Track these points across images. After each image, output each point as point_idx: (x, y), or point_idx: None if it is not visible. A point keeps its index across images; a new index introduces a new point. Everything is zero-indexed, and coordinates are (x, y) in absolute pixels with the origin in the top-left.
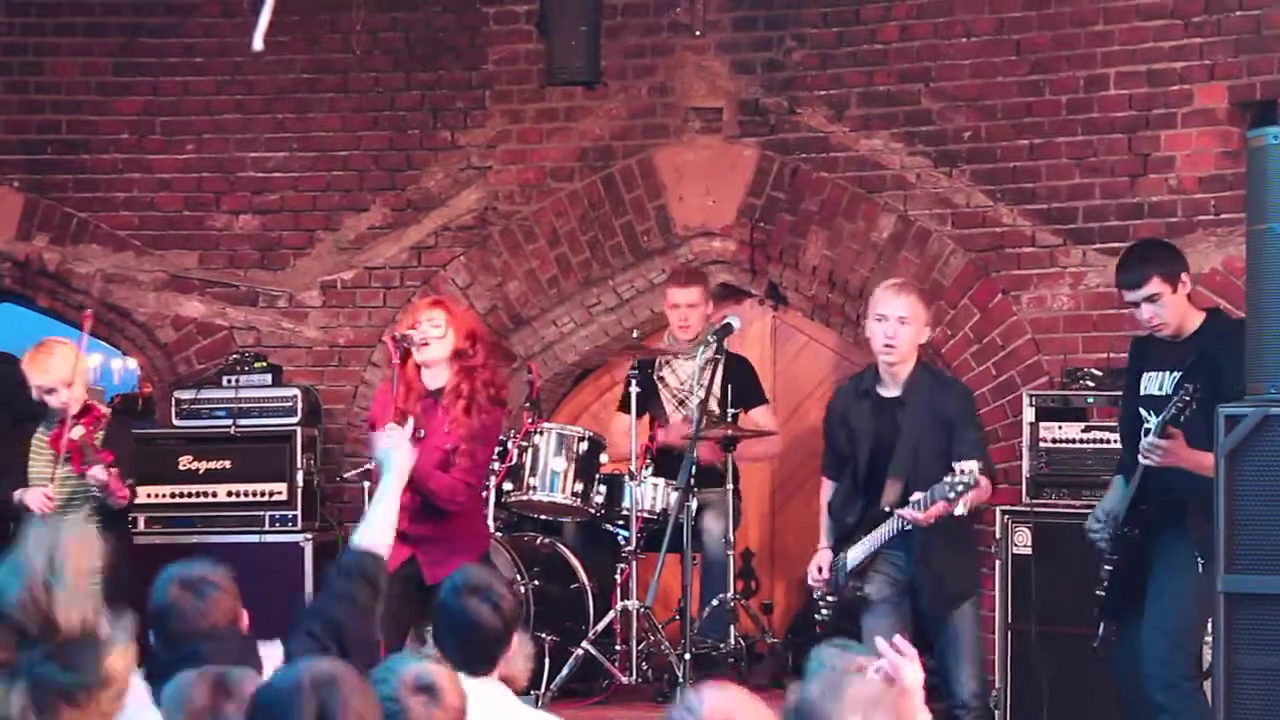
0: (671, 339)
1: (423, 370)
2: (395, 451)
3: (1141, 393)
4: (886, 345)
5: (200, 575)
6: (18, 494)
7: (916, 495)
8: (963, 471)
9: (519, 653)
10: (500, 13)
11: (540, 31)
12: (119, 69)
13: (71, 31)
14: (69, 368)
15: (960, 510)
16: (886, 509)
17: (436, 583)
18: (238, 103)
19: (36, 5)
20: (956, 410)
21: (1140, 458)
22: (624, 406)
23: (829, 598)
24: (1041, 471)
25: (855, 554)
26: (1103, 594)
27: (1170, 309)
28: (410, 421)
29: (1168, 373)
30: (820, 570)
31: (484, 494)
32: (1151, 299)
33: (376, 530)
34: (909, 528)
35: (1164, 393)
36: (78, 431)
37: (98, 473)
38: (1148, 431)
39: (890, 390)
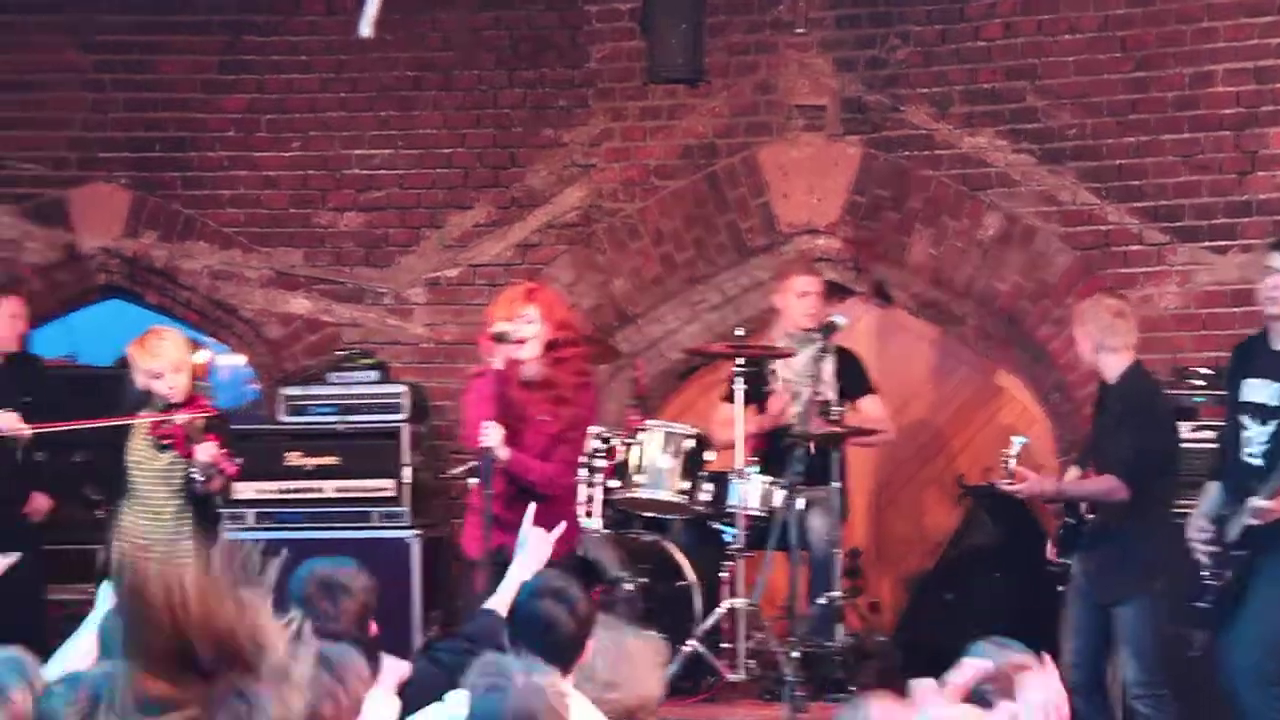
0: (786, 333)
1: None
2: (532, 537)
3: (1241, 399)
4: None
5: (338, 580)
6: None
7: None
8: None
9: (653, 663)
10: (603, 11)
11: (643, 29)
12: (225, 67)
13: (178, 30)
14: (178, 353)
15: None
16: None
17: None
18: (342, 100)
19: (143, 4)
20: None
21: (1248, 519)
22: (731, 399)
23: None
24: None
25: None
26: (1205, 606)
27: None
28: (498, 429)
29: (1276, 382)
30: None
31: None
32: None
33: (501, 596)
34: (1090, 516)
35: (1275, 403)
36: (182, 418)
37: (207, 448)
38: (1247, 440)
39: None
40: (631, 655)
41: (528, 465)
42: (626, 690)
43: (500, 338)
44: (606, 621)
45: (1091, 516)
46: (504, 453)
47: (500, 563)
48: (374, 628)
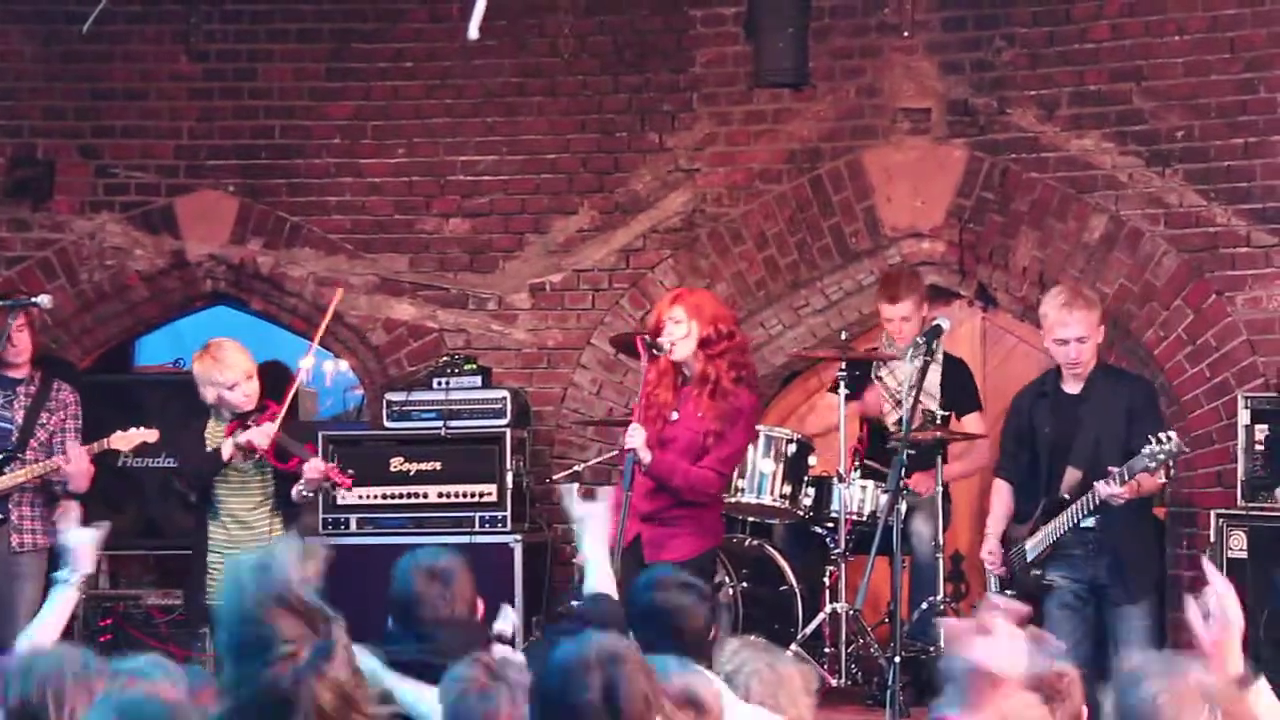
0: (889, 341)
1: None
2: (590, 518)
3: None
4: (1071, 364)
5: (444, 565)
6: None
7: (1113, 470)
8: (1164, 440)
9: (804, 689)
10: (708, 15)
11: (748, 33)
12: (331, 74)
13: (284, 38)
14: (247, 361)
15: (1161, 480)
16: (1065, 497)
17: (654, 562)
18: (447, 107)
19: (249, 13)
20: (1137, 402)
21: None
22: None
23: (1007, 591)
24: (1257, 475)
25: (1034, 543)
26: None
27: None
28: (641, 431)
29: None
30: (991, 554)
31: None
32: None
33: (598, 579)
34: (1087, 522)
35: None
36: (269, 428)
37: (317, 464)
38: None
39: (1072, 388)
40: (784, 680)
41: (672, 468)
42: (778, 716)
43: (654, 349)
44: (759, 645)
45: (1089, 524)
46: (646, 455)
47: (635, 554)
48: (480, 607)
